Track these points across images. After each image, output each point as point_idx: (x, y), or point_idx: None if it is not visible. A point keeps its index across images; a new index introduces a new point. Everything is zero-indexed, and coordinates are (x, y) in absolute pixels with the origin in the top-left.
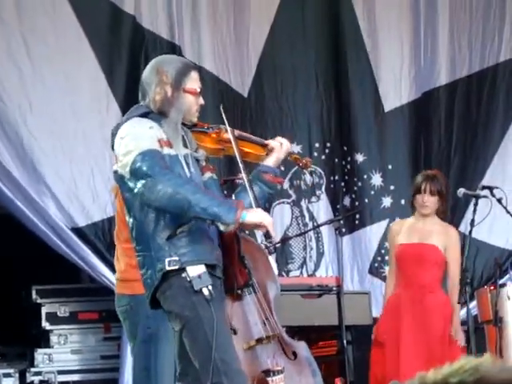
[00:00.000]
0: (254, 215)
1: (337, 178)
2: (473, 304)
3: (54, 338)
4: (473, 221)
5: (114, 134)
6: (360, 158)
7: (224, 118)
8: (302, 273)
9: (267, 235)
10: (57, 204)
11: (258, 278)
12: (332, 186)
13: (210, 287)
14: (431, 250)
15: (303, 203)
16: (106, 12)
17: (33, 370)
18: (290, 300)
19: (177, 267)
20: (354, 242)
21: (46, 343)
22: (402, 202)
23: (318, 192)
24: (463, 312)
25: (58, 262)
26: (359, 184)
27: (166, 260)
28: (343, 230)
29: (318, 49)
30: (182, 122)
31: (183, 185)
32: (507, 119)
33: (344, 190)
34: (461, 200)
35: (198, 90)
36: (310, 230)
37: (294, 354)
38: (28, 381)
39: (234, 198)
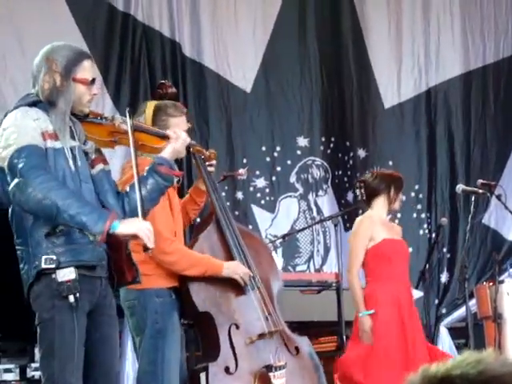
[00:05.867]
0: (128, 226)
1: (341, 172)
2: (472, 302)
3: None
4: (473, 217)
5: None
6: (362, 153)
7: (128, 120)
8: (308, 267)
9: (144, 246)
10: None
11: (262, 273)
12: (336, 180)
13: (77, 295)
14: (407, 248)
15: (310, 197)
16: (105, 10)
17: (33, 365)
18: (290, 295)
19: (53, 266)
20: None
21: None
22: (404, 198)
23: (324, 186)
24: (463, 309)
25: None
26: None
27: (43, 258)
28: (347, 224)
29: (320, 45)
30: (74, 112)
31: (54, 189)
32: None
33: (347, 185)
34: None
35: (90, 79)
36: (313, 225)
37: (297, 348)
38: (28, 376)
39: (126, 198)
